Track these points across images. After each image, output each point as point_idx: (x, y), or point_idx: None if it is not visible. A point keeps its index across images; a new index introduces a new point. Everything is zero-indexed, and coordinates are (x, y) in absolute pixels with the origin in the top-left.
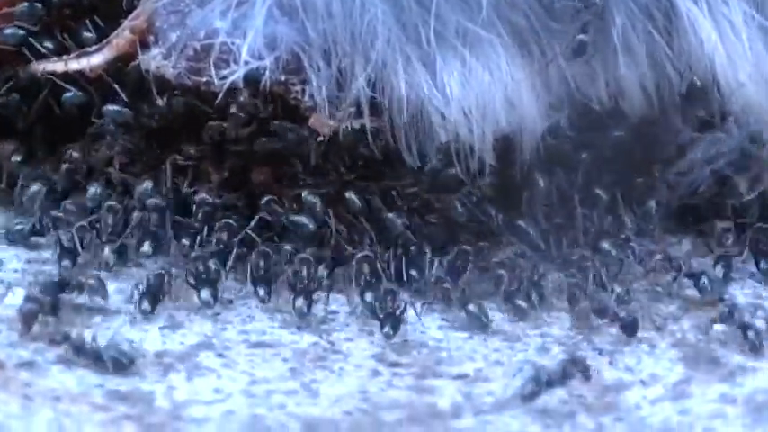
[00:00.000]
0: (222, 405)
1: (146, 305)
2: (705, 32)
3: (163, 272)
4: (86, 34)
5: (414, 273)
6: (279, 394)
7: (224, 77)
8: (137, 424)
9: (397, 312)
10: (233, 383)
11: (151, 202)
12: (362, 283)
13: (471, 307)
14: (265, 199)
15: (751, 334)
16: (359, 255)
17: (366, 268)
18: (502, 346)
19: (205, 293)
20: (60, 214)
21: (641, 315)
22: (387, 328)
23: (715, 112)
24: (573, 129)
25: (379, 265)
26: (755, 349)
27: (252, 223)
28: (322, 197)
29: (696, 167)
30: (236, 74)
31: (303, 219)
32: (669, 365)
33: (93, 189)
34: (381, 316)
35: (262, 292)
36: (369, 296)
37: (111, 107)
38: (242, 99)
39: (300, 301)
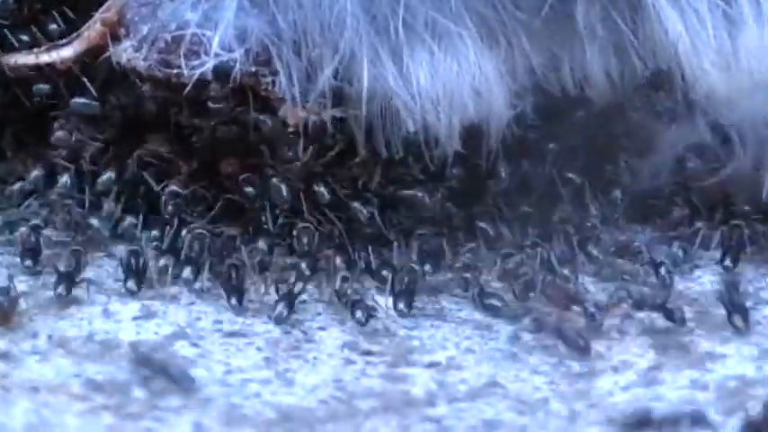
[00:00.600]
0: (198, 394)
1: (131, 284)
2: (670, 20)
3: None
4: (54, 27)
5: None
6: (254, 383)
7: (194, 69)
8: (115, 414)
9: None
10: (208, 373)
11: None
12: (332, 271)
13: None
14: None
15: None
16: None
17: (336, 257)
18: (473, 334)
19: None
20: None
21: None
22: (359, 315)
23: (679, 100)
24: (538, 117)
25: (348, 254)
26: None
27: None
28: (290, 186)
29: (661, 155)
30: (206, 66)
31: (280, 185)
32: (640, 352)
33: (65, 179)
34: (352, 303)
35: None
36: (339, 284)
37: (78, 99)
38: (212, 92)
39: (282, 306)
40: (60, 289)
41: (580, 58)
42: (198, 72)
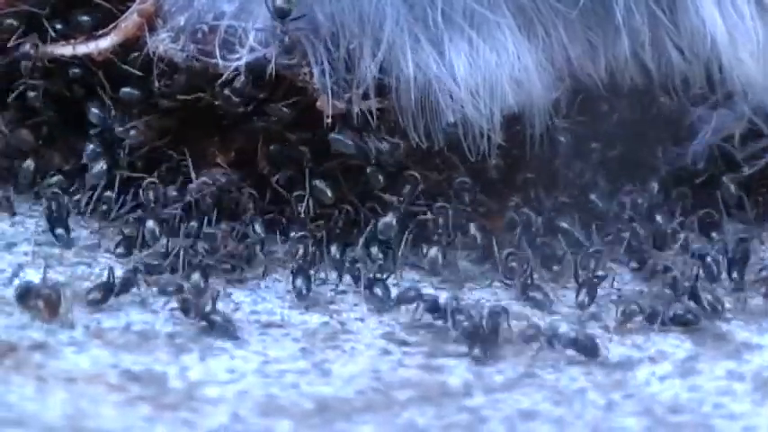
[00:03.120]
0: (236, 385)
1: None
2: (707, 10)
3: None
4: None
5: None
6: (291, 374)
7: (229, 62)
8: (152, 404)
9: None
10: (246, 364)
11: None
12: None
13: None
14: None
15: None
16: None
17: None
18: (510, 324)
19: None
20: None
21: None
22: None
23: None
24: (575, 107)
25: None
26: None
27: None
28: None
29: (698, 143)
30: (241, 60)
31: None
32: (677, 342)
33: (99, 167)
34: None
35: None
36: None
37: (124, 89)
38: (240, 86)
39: (299, 281)
40: (94, 294)
41: (617, 48)
42: (233, 65)
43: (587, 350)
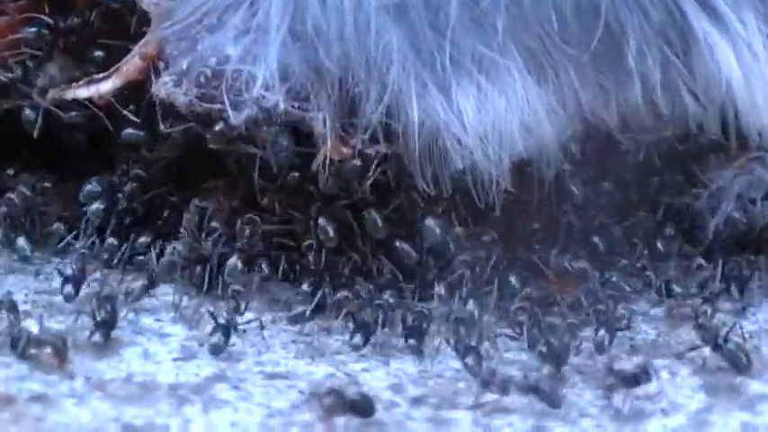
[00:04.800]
0: None
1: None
2: (722, 54)
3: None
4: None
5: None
6: (296, 427)
7: (236, 109)
8: None
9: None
10: (249, 416)
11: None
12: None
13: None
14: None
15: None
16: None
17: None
18: (519, 375)
19: None
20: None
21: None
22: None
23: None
24: (585, 152)
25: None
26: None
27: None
28: (336, 224)
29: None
30: (249, 111)
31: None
32: (690, 393)
33: (96, 207)
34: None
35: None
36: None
37: (128, 131)
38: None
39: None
40: (97, 336)
41: (629, 92)
42: (242, 117)
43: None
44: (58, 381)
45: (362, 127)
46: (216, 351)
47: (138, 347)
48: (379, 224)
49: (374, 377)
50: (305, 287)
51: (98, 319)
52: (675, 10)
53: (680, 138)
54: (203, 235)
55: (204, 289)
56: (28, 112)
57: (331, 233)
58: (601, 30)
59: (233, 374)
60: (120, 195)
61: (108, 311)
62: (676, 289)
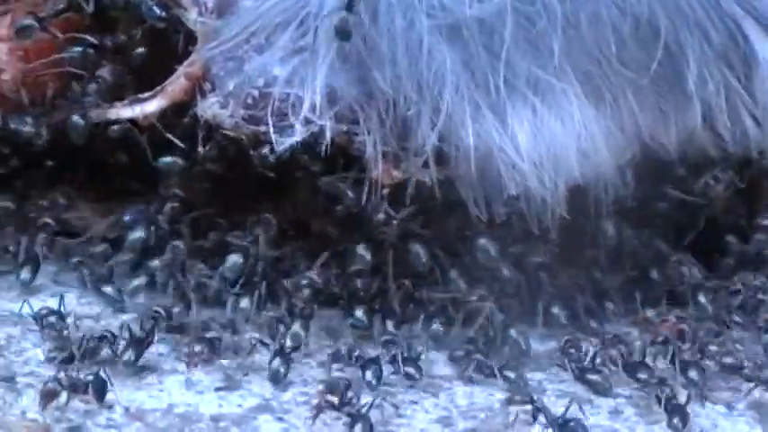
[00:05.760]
0: None
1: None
2: None
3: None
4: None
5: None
6: None
7: (282, 135)
8: None
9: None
10: None
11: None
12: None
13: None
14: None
15: None
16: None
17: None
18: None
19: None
20: None
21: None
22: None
23: None
24: (643, 178)
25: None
26: None
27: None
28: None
29: None
30: (295, 137)
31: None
32: (746, 429)
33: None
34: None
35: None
36: None
37: (165, 159)
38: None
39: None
40: (128, 355)
41: (689, 116)
42: (288, 142)
43: None
44: (96, 411)
45: (414, 151)
46: (276, 379)
47: (180, 376)
48: (423, 257)
49: (423, 408)
50: (359, 314)
51: (135, 336)
52: (737, 33)
53: (741, 163)
54: (252, 259)
55: (250, 315)
56: (76, 119)
57: (367, 259)
58: (660, 52)
59: (278, 405)
60: (158, 223)
61: (146, 330)
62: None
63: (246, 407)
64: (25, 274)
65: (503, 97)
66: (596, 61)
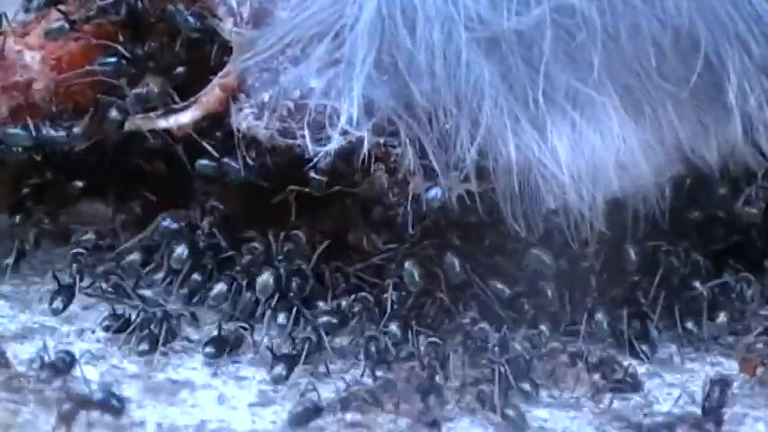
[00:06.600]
0: None
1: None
2: None
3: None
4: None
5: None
6: None
7: (319, 145)
8: None
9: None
10: None
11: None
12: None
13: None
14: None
15: None
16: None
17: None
18: (618, 426)
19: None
20: None
21: None
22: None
23: None
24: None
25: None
26: None
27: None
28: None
29: None
30: (332, 145)
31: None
32: None
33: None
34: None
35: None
36: None
37: (202, 161)
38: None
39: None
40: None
41: (729, 129)
42: (323, 151)
43: None
44: (127, 426)
45: (453, 164)
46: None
47: (214, 391)
48: (457, 268)
49: (459, 426)
50: (393, 328)
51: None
52: None
53: None
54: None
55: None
56: (114, 113)
57: (416, 277)
58: (701, 65)
59: (313, 422)
60: (199, 233)
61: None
62: None
63: (280, 423)
64: (57, 303)
65: (542, 110)
66: (636, 74)
